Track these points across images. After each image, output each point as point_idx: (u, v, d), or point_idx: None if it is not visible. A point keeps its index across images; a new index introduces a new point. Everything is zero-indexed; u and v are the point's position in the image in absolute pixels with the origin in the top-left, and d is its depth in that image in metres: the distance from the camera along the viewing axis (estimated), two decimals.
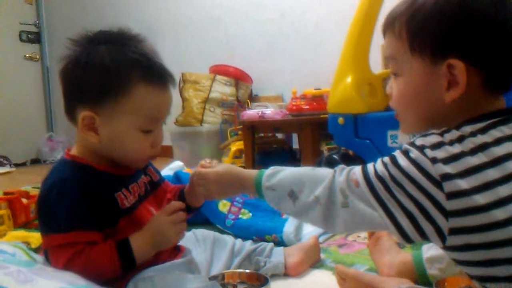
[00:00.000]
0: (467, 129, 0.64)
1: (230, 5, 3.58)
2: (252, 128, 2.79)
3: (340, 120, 1.63)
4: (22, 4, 4.67)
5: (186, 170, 1.76)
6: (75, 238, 0.85)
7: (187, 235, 1.13)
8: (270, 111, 2.76)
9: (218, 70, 3.40)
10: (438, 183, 0.61)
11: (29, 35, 4.69)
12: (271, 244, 1.20)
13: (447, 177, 0.60)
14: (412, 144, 0.65)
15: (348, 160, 1.70)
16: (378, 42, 2.51)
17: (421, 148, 0.63)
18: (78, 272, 0.82)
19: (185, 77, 3.33)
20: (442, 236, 0.62)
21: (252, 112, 2.85)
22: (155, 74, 0.90)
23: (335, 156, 1.71)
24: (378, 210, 0.66)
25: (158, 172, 1.08)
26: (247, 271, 1.08)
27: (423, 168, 0.62)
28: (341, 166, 0.74)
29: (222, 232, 1.47)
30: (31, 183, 2.91)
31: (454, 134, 0.64)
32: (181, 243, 1.05)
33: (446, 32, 0.66)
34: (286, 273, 1.15)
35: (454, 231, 0.62)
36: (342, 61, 1.65)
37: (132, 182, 0.97)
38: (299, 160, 2.84)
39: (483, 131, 0.63)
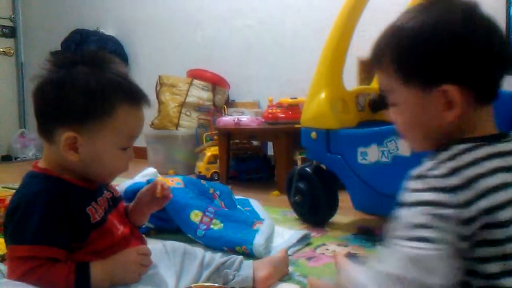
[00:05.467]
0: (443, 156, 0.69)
1: (208, 9, 3.58)
2: (228, 135, 2.80)
3: (313, 134, 1.66)
4: None
5: (159, 178, 1.76)
6: (38, 252, 0.86)
7: (157, 247, 1.15)
8: (246, 119, 2.77)
9: (195, 75, 3.39)
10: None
11: (4, 29, 4.59)
12: (241, 257, 1.22)
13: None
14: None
15: (321, 173, 1.72)
16: (355, 55, 2.57)
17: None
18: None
19: (162, 80, 3.32)
20: None
21: (228, 119, 2.86)
22: (135, 95, 0.97)
23: (307, 169, 1.74)
24: None
25: (116, 190, 1.13)
26: (216, 285, 1.10)
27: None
28: None
29: (192, 241, 1.48)
30: (1, 182, 2.86)
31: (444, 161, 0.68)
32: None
33: (434, 62, 0.70)
34: (255, 287, 1.17)
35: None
36: (316, 77, 1.68)
37: (99, 195, 1.00)
38: (273, 167, 2.87)
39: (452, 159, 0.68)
